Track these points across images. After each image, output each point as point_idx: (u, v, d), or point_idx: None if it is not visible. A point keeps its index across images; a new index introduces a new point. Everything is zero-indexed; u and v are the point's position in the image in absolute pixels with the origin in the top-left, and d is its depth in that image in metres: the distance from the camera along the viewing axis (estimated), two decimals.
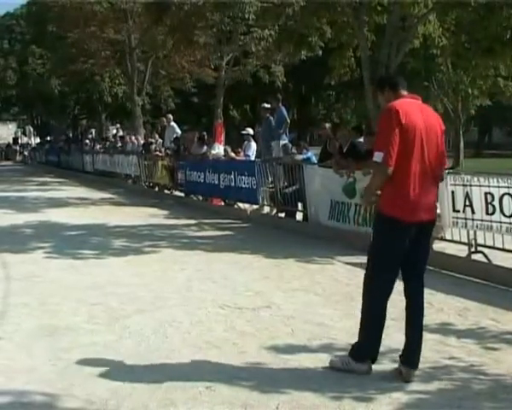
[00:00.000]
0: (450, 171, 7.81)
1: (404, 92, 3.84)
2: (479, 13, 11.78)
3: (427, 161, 3.67)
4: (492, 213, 6.37)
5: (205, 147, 14.08)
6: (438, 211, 7.23)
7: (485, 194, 6.44)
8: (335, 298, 5.65)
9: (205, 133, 15.11)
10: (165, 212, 12.50)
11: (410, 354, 3.79)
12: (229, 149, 13.16)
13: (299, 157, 10.42)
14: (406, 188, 3.62)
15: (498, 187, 6.32)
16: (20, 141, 49.45)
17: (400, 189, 3.63)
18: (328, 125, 11.09)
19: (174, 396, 3.54)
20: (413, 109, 3.70)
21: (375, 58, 14.00)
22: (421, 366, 3.86)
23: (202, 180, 13.15)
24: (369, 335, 3.84)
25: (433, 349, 4.25)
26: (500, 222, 6.31)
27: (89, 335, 4.63)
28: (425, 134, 3.66)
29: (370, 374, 3.83)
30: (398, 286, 3.94)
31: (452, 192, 6.86)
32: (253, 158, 12.61)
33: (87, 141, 26.71)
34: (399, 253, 3.74)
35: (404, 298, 3.90)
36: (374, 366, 3.91)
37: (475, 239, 6.81)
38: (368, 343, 3.85)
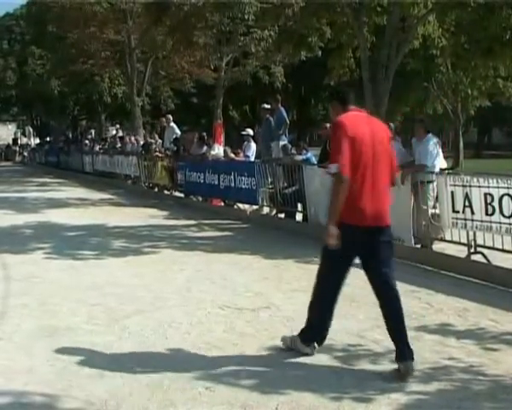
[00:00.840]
0: (450, 171, 7.82)
1: (352, 106, 3.99)
2: (478, 13, 11.78)
3: (377, 169, 3.82)
4: (492, 214, 6.37)
5: (204, 147, 14.07)
6: (437, 212, 7.24)
7: (485, 194, 6.44)
8: None
9: (205, 134, 15.10)
10: (165, 212, 12.49)
11: (400, 347, 3.82)
12: (228, 150, 13.17)
13: (299, 158, 10.42)
14: (355, 196, 3.77)
15: (498, 188, 6.32)
16: (19, 142, 49.43)
17: (350, 197, 3.76)
18: (328, 125, 11.07)
19: (174, 397, 3.55)
20: (360, 122, 3.87)
21: (375, 59, 14.00)
22: (420, 366, 3.87)
23: (202, 181, 13.15)
24: (316, 324, 4.09)
25: (432, 350, 4.26)
26: (500, 223, 6.31)
27: (88, 335, 4.63)
28: (372, 145, 3.82)
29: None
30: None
31: (452, 193, 6.87)
32: (252, 159, 12.61)
33: (86, 141, 26.69)
34: (349, 255, 3.90)
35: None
36: (373, 368, 3.95)
37: (475, 240, 6.81)
38: (313, 331, 4.11)
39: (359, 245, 3.85)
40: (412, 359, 3.78)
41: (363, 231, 3.79)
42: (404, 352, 3.80)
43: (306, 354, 4.14)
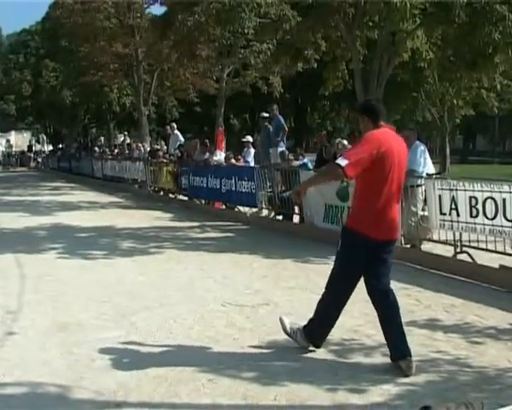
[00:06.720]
0: (438, 176, 7.82)
1: (383, 123, 3.88)
2: (463, 29, 11.84)
3: (397, 183, 3.77)
4: (476, 216, 6.38)
5: (207, 154, 14.07)
6: (425, 214, 7.24)
7: (470, 198, 6.45)
8: None
9: (207, 141, 15.11)
10: (170, 215, 12.49)
11: (398, 346, 3.75)
12: (232, 156, 13.20)
13: (296, 163, 10.43)
14: (382, 210, 3.70)
15: (482, 191, 6.33)
16: (34, 148, 49.34)
17: (376, 210, 3.70)
18: (324, 132, 11.15)
19: (178, 388, 3.54)
20: (390, 138, 3.79)
21: (367, 70, 14.03)
22: None
23: (205, 185, 13.15)
24: (321, 324, 4.05)
25: (421, 343, 4.25)
26: (483, 224, 6.32)
27: (98, 331, 4.62)
28: (398, 160, 3.75)
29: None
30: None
31: (439, 196, 6.88)
32: (252, 164, 12.61)
33: (96, 148, 26.68)
34: (362, 264, 3.80)
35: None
36: (366, 361, 3.95)
37: (461, 240, 6.82)
38: (319, 334, 4.08)
39: (372, 255, 3.77)
40: (410, 355, 3.70)
41: (379, 242, 3.73)
42: (403, 350, 3.72)
43: (303, 348, 4.12)
